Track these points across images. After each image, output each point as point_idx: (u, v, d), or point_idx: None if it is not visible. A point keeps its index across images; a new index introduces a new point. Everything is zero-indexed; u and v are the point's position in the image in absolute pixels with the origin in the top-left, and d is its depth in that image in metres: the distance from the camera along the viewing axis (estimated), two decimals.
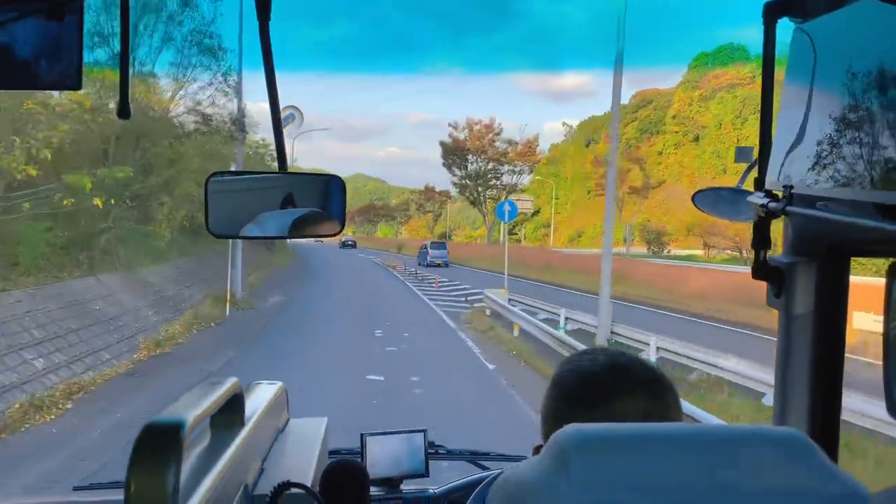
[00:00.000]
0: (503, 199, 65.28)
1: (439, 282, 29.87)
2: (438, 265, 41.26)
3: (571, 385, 0.94)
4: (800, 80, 1.04)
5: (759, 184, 1.09)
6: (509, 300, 18.57)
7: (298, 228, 1.37)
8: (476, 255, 52.62)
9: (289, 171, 1.39)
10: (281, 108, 1.35)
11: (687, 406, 6.71)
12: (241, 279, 20.21)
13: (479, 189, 76.27)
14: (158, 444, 0.81)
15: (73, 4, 1.05)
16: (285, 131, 1.38)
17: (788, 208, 0.99)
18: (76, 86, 1.05)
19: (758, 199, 1.06)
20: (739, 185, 1.42)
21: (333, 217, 1.39)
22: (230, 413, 1.20)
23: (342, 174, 1.52)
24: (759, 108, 1.09)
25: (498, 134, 77.02)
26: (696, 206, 1.41)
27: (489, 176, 75.84)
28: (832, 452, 1.09)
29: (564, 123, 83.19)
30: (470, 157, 75.24)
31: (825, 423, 1.09)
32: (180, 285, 18.80)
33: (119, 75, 1.09)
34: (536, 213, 79.39)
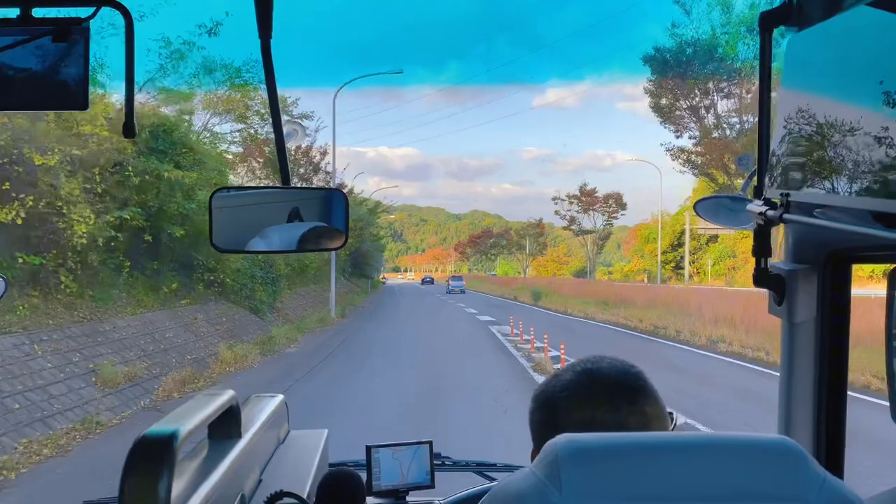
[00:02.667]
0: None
1: None
2: (458, 292, 50.06)
3: (549, 395, 0.96)
4: (796, 88, 1.05)
5: (758, 192, 1.10)
6: None
7: (304, 242, 1.38)
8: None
9: (292, 185, 1.41)
10: (283, 123, 1.37)
11: None
12: None
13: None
14: (151, 455, 0.83)
15: (79, 26, 1.08)
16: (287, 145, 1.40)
17: (785, 216, 1.00)
18: (83, 106, 1.07)
19: (756, 207, 1.07)
20: (741, 193, 1.42)
21: (337, 230, 1.41)
22: (226, 424, 1.22)
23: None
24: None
25: None
26: (697, 213, 1.41)
27: None
28: (837, 458, 1.09)
29: None
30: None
31: (829, 430, 1.09)
32: None
33: (124, 95, 1.11)
34: (714, 238, 46.36)
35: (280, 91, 1.30)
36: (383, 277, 76.30)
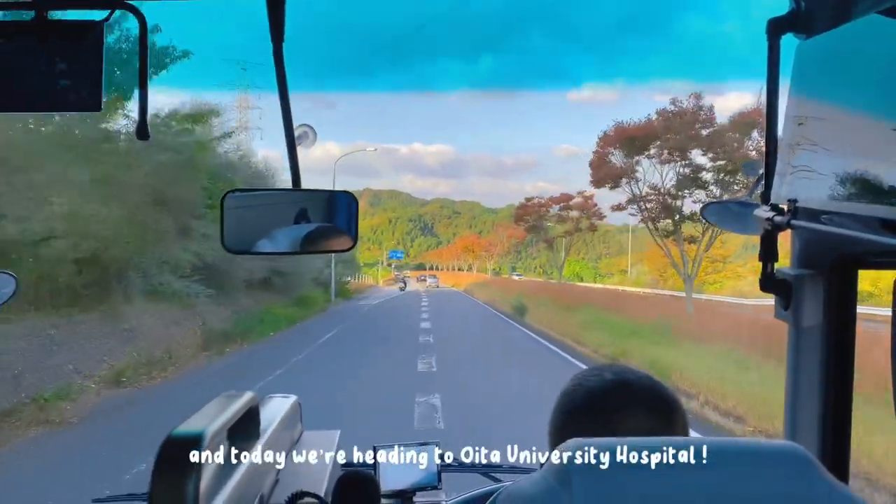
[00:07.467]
0: None
1: None
2: (434, 288, 57.21)
3: (575, 401, 0.93)
4: (804, 95, 1.05)
5: (765, 198, 1.10)
6: None
7: (310, 243, 1.39)
8: None
9: (302, 187, 1.42)
10: (294, 126, 1.38)
11: None
12: None
13: None
14: (180, 455, 0.84)
15: (94, 28, 1.09)
16: (298, 148, 1.41)
17: (793, 222, 1.00)
18: (96, 107, 1.08)
19: (764, 212, 1.07)
20: (747, 198, 1.42)
21: (346, 232, 1.41)
22: (246, 425, 1.23)
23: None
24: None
25: None
26: (703, 219, 1.41)
27: None
28: (842, 464, 1.09)
29: None
30: None
31: (835, 435, 1.09)
32: None
33: (138, 98, 1.13)
34: None
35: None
36: (403, 281, 57.60)
